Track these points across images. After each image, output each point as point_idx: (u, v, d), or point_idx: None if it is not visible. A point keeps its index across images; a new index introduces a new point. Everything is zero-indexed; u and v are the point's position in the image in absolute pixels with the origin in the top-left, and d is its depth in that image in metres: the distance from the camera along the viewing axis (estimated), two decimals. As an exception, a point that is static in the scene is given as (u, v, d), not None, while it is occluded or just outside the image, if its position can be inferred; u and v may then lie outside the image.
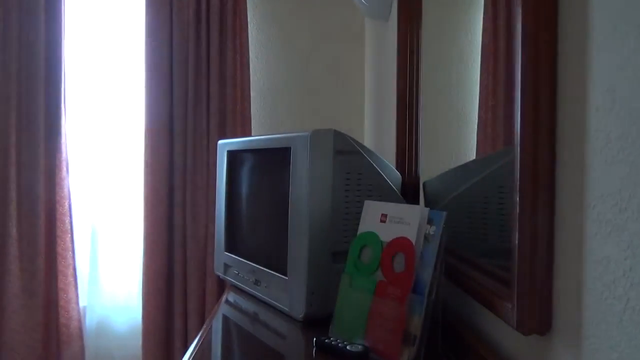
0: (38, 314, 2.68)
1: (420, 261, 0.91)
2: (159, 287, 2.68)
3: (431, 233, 0.91)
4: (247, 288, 1.43)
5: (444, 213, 0.91)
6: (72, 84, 2.81)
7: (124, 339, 2.79)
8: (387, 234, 0.98)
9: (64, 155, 2.75)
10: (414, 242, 0.92)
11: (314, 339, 1.01)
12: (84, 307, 2.79)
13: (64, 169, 2.75)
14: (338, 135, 1.19)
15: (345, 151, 1.20)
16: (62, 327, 2.70)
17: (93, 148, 2.85)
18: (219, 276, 1.62)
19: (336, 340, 0.98)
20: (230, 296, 1.45)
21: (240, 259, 1.47)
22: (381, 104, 2.27)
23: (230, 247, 1.56)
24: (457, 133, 1.15)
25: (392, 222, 0.99)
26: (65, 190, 2.75)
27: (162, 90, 2.70)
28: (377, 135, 2.44)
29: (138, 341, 2.70)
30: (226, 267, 1.58)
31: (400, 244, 0.95)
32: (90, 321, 2.79)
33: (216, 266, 1.64)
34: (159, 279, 2.68)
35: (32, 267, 2.68)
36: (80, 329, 2.74)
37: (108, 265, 2.83)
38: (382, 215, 1.01)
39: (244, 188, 1.51)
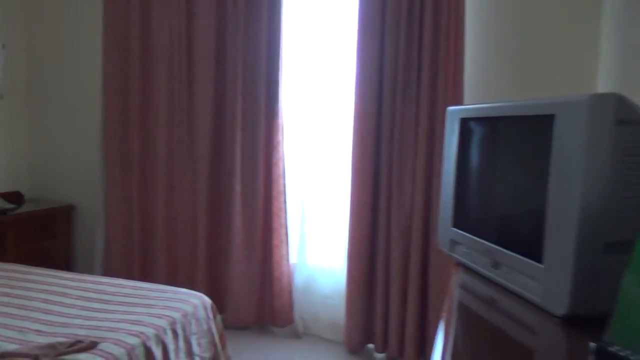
0: (256, 265, 2.96)
1: None
2: (362, 254, 2.71)
3: None
4: (480, 269, 1.31)
5: None
6: (289, 59, 2.95)
7: (328, 297, 2.92)
8: None
9: (280, 120, 2.92)
10: None
11: (592, 343, 0.84)
12: (294, 265, 2.98)
13: (280, 133, 2.93)
14: (621, 101, 0.97)
15: (629, 121, 0.98)
16: (275, 280, 2.93)
17: (305, 115, 2.98)
18: (445, 252, 1.52)
19: (622, 350, 0.81)
20: (460, 276, 1.34)
21: (473, 237, 1.35)
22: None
23: (460, 222, 1.44)
24: None
25: None
26: (280, 153, 2.93)
27: (373, 54, 2.65)
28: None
29: (341, 303, 2.80)
30: (453, 243, 1.47)
31: None
32: (298, 278, 2.97)
33: (441, 241, 1.55)
34: (363, 245, 2.71)
35: (252, 222, 2.96)
36: (290, 284, 2.95)
37: (315, 228, 2.96)
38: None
39: (481, 159, 1.37)
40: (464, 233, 1.40)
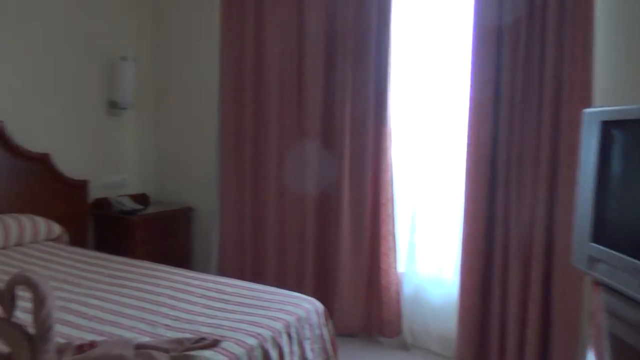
0: (364, 273, 2.94)
1: None
2: (476, 265, 2.58)
3: None
4: (628, 291, 1.16)
5: None
6: (398, 61, 2.90)
7: (439, 309, 2.82)
8: None
9: (388, 126, 2.88)
10: None
11: None
12: (402, 274, 2.91)
13: (388, 139, 2.89)
14: None
15: None
16: (383, 289, 2.89)
17: (415, 121, 2.91)
18: (580, 269, 1.39)
19: None
20: (603, 298, 1.21)
21: (619, 254, 1.21)
22: None
23: (601, 237, 1.30)
24: None
25: None
26: (389, 159, 2.89)
27: (489, 57, 2.52)
28: None
29: (453, 315, 2.68)
30: (592, 260, 1.33)
31: None
32: (407, 288, 2.90)
33: (575, 257, 1.41)
34: (478, 256, 2.58)
35: (359, 229, 2.94)
36: (398, 293, 2.89)
37: (425, 236, 2.88)
38: None
39: (630, 167, 1.22)
40: (607, 249, 1.26)
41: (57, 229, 2.86)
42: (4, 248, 2.60)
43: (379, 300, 2.92)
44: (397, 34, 2.87)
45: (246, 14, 3.20)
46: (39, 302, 1.34)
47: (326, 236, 3.08)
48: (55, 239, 2.87)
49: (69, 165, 3.22)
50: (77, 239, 3.08)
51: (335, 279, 2.98)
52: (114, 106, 3.49)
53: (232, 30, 3.26)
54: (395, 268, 2.89)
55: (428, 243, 2.88)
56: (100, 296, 1.98)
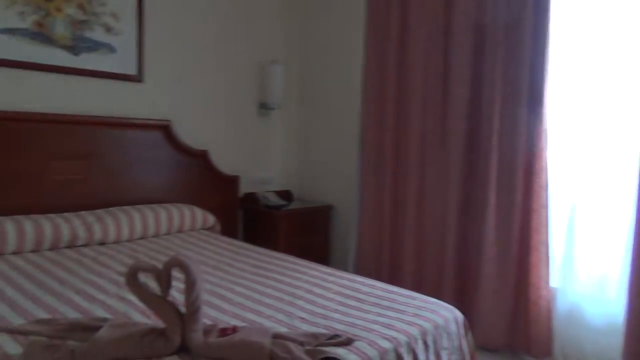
0: (510, 285, 2.71)
1: None
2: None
3: None
4: None
5: None
6: (557, 53, 2.62)
7: (598, 332, 2.49)
8: None
9: (544, 126, 2.62)
10: None
11: None
12: (555, 289, 2.63)
13: (543, 139, 2.63)
14: None
15: None
16: (532, 304, 2.64)
17: (576, 119, 2.60)
18: None
19: None
20: None
21: None
22: None
23: None
24: None
25: None
26: (543, 162, 2.63)
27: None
28: None
29: (616, 340, 2.34)
30: None
31: None
32: (561, 305, 2.61)
33: None
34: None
35: (507, 237, 2.72)
36: (549, 310, 2.61)
37: (586, 248, 2.56)
38: None
39: None
40: None
41: (211, 219, 3.12)
42: (167, 233, 2.90)
43: (527, 316, 2.66)
44: (556, 23, 2.60)
45: (391, 16, 3.16)
46: (190, 284, 1.45)
47: (468, 242, 2.91)
48: (210, 228, 3.12)
49: (223, 161, 3.49)
50: (227, 229, 3.33)
51: (476, 289, 2.80)
52: (263, 107, 3.71)
53: (377, 32, 3.26)
54: (548, 282, 2.62)
55: (587, 256, 2.55)
56: (244, 284, 2.09)
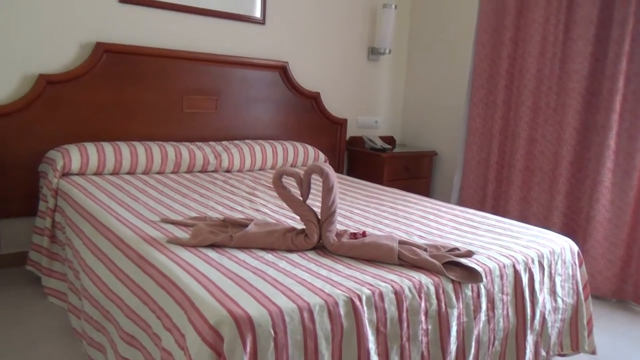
0: (623, 232, 2.65)
1: None
2: None
3: None
4: None
5: None
6: None
7: None
8: None
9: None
10: None
11: None
12: (676, 238, 2.54)
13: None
14: None
15: None
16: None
17: None
18: None
19: None
20: None
21: None
22: None
23: None
24: None
25: None
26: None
27: None
28: None
29: None
30: None
31: None
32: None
33: None
34: None
35: (624, 184, 2.65)
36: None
37: None
38: None
39: None
40: None
41: (322, 156, 3.31)
42: (282, 166, 3.13)
43: (639, 265, 2.60)
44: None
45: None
46: (328, 189, 1.62)
47: (580, 188, 2.86)
48: (320, 165, 3.32)
49: (332, 104, 3.64)
50: (334, 169, 3.51)
51: (585, 236, 2.77)
52: (373, 52, 3.78)
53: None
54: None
55: None
56: (361, 208, 2.25)
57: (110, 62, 2.71)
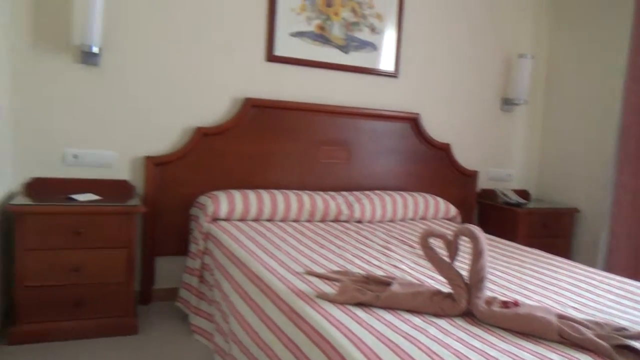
0: None
1: None
2: None
3: None
4: None
5: None
6: None
7: None
8: None
9: None
10: None
11: None
12: None
13: None
14: None
15: None
16: None
17: None
18: None
19: None
20: None
21: None
22: None
23: None
24: None
25: None
26: None
27: None
28: None
29: None
30: None
31: None
32: None
33: None
34: None
35: None
36: None
37: None
38: None
39: None
40: None
41: (453, 210, 3.22)
42: (412, 219, 3.10)
43: None
44: None
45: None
46: (478, 253, 1.56)
47: None
48: (451, 219, 3.23)
49: (463, 155, 3.57)
50: (464, 222, 3.39)
51: None
52: (507, 102, 3.66)
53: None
54: None
55: None
56: (501, 270, 2.13)
57: (256, 115, 2.93)
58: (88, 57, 2.56)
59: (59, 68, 2.55)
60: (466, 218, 3.49)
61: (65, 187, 2.57)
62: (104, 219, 2.31)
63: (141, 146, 2.75)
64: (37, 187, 2.54)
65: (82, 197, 2.41)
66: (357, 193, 3.06)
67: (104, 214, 2.31)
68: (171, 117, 2.79)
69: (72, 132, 2.61)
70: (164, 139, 2.79)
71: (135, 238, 2.39)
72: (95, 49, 2.48)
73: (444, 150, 3.46)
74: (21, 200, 2.30)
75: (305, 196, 2.83)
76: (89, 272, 2.30)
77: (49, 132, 2.57)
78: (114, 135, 2.69)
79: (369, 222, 2.95)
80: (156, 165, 2.73)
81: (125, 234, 2.34)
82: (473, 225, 1.61)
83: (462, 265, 1.93)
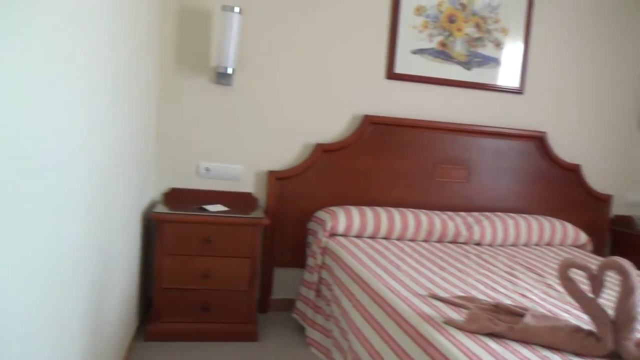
0: None
1: None
2: None
3: None
4: None
5: None
6: None
7: None
8: None
9: None
10: None
11: None
12: None
13: None
14: None
15: None
16: None
17: None
18: None
19: None
20: None
21: None
22: None
23: None
24: None
25: None
26: None
27: None
28: None
29: None
30: None
31: None
32: None
33: None
34: None
35: None
36: None
37: None
38: None
39: None
40: None
41: (583, 237, 2.97)
42: (536, 244, 2.91)
43: None
44: None
45: None
46: (628, 290, 1.41)
47: None
48: (580, 246, 2.98)
49: (595, 177, 3.29)
50: (594, 251, 3.11)
51: None
52: None
53: None
54: None
55: None
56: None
57: (374, 132, 2.94)
58: (222, 78, 2.75)
59: (197, 88, 2.77)
60: (597, 246, 3.20)
61: (197, 197, 2.77)
62: (232, 229, 2.45)
63: (265, 161, 2.89)
64: (174, 197, 2.76)
65: (212, 208, 2.58)
66: (476, 214, 2.94)
67: (232, 225, 2.45)
68: (293, 133, 2.90)
69: (206, 146, 2.81)
70: (286, 154, 2.90)
71: (259, 248, 2.50)
72: (229, 70, 2.67)
73: (572, 171, 3.22)
74: (161, 208, 2.52)
75: (423, 215, 2.78)
76: (217, 279, 2.45)
77: (187, 146, 2.79)
78: (241, 150, 2.86)
79: (489, 245, 2.82)
80: (278, 179, 2.84)
81: (250, 244, 2.46)
82: (622, 259, 1.47)
83: (606, 302, 1.76)
